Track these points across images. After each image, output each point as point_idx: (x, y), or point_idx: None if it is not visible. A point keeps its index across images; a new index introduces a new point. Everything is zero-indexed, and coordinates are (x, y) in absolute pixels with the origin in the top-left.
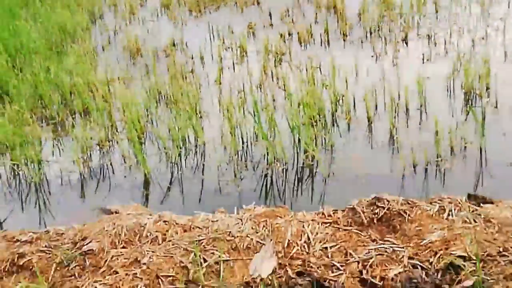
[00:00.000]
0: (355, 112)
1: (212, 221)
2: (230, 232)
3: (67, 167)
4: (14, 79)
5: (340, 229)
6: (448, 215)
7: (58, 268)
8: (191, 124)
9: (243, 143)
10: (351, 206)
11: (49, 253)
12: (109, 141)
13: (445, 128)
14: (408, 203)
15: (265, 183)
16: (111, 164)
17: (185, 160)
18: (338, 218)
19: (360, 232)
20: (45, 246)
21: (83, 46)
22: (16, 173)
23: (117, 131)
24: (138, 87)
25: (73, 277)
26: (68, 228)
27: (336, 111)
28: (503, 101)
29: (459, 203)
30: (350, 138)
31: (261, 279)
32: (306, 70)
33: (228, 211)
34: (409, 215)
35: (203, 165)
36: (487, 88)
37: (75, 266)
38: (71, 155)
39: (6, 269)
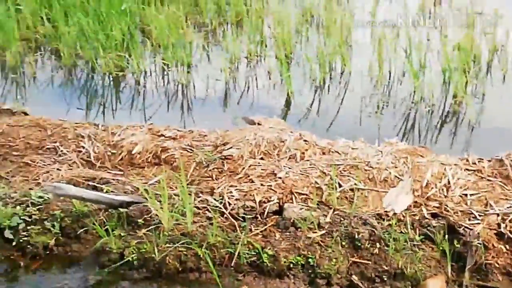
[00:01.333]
0: None
1: (352, 148)
2: (368, 162)
3: (214, 74)
4: None
5: (484, 179)
6: None
7: (197, 168)
8: (340, 51)
9: (389, 78)
10: (499, 158)
11: (191, 152)
12: (257, 56)
13: None
14: None
15: (407, 121)
16: (256, 78)
17: (329, 85)
18: (483, 167)
19: (504, 185)
20: (188, 145)
21: None
22: (166, 73)
23: (266, 47)
24: (292, 6)
25: (210, 178)
26: (211, 131)
27: (493, 60)
28: None
29: None
30: (503, 90)
31: (394, 214)
32: (467, 13)
33: (366, 143)
34: None
35: (346, 93)
36: None
37: (213, 168)
38: (219, 64)
39: (149, 160)
